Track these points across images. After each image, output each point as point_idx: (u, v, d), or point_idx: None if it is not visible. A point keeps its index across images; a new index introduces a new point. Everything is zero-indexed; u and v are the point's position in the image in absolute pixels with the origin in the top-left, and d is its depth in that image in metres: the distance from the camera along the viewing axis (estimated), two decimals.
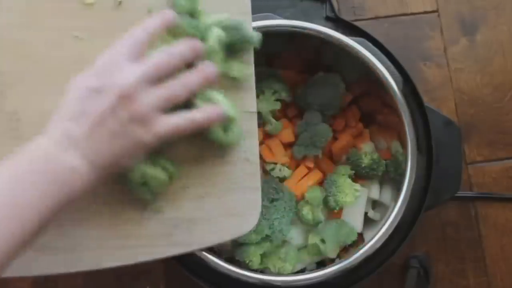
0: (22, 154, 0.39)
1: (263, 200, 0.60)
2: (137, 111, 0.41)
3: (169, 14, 0.46)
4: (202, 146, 0.50)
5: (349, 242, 0.62)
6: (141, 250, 0.49)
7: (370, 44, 0.60)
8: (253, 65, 0.51)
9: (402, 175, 0.59)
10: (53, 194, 0.38)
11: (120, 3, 0.49)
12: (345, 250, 0.64)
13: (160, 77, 0.43)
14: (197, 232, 0.50)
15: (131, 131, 0.41)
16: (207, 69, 0.45)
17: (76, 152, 0.40)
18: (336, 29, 0.60)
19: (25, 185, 0.38)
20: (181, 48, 0.44)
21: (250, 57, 0.51)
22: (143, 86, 0.41)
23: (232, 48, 0.49)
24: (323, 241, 0.62)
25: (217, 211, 0.50)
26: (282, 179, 0.65)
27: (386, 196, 0.66)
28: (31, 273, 0.47)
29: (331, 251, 0.62)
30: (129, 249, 0.48)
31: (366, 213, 0.66)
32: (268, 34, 0.59)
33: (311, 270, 0.58)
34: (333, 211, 0.65)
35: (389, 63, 0.60)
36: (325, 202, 0.63)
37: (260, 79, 0.66)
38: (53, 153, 0.39)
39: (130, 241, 0.48)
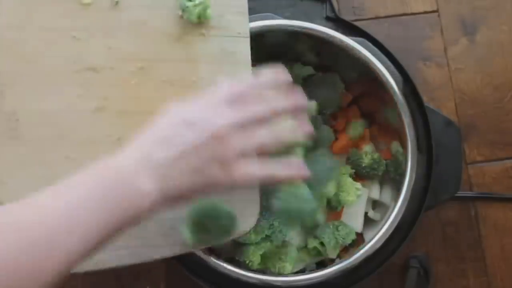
0: (99, 167, 0.39)
1: (262, 200, 0.61)
2: (222, 153, 0.41)
3: (282, 74, 0.45)
4: None
5: (348, 242, 0.62)
6: (140, 250, 0.49)
7: (370, 44, 0.60)
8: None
9: (402, 175, 0.59)
10: (119, 211, 0.38)
11: (117, 3, 0.49)
12: (345, 250, 0.64)
13: (253, 125, 0.43)
14: None
15: (211, 170, 0.41)
16: (304, 126, 0.45)
17: (152, 176, 0.39)
18: (336, 29, 0.60)
19: (94, 198, 0.37)
20: (285, 104, 0.44)
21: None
22: (235, 131, 0.41)
23: None
24: (322, 243, 0.62)
25: None
26: None
27: (386, 196, 0.66)
28: None
29: (330, 252, 0.62)
30: (127, 250, 0.48)
31: (366, 213, 0.66)
32: (268, 34, 0.59)
33: (311, 270, 0.58)
34: (332, 211, 0.65)
35: (389, 63, 0.60)
36: (327, 202, 0.63)
37: None
38: (129, 171, 0.39)
39: (128, 241, 0.48)
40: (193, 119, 0.41)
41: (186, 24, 0.50)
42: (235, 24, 0.51)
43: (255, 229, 0.59)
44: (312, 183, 0.60)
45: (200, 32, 0.51)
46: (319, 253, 0.63)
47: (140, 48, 0.49)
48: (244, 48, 0.52)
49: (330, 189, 0.61)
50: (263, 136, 0.43)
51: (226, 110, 0.42)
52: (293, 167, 0.45)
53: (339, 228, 0.62)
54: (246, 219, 0.51)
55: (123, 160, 0.39)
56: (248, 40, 0.52)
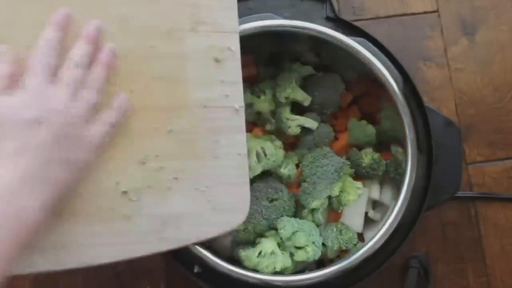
0: None
1: (262, 200, 0.61)
2: (74, 134, 0.42)
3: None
4: (190, 142, 0.50)
5: (351, 246, 0.62)
6: (131, 246, 0.49)
7: (370, 44, 0.60)
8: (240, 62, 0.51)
9: (402, 175, 0.59)
10: (12, 239, 0.38)
11: None
12: (345, 250, 0.64)
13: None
14: (185, 228, 0.50)
15: (73, 155, 0.42)
16: (107, 58, 0.46)
17: (31, 191, 0.39)
18: (336, 29, 0.60)
19: None
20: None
21: None
22: (69, 107, 0.43)
23: None
24: (324, 244, 0.62)
25: (205, 206, 0.50)
26: (287, 178, 0.65)
27: (386, 196, 0.66)
28: (19, 271, 0.46)
29: (331, 253, 0.62)
30: (118, 246, 0.48)
31: (366, 213, 0.66)
32: (268, 34, 0.59)
33: (311, 270, 0.58)
34: (333, 212, 0.65)
35: (389, 63, 0.60)
36: (329, 203, 0.63)
37: (261, 79, 0.67)
38: (8, 195, 0.38)
39: (119, 238, 0.48)
40: (36, 117, 0.40)
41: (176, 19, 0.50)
42: (225, 19, 0.51)
43: (255, 228, 0.60)
44: (318, 183, 0.61)
45: (191, 27, 0.50)
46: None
47: (129, 43, 0.49)
48: (234, 44, 0.52)
49: (336, 189, 0.61)
50: (90, 96, 0.44)
51: (52, 91, 0.42)
52: (118, 104, 0.47)
53: (343, 232, 0.62)
54: (236, 214, 0.51)
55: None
56: (237, 36, 0.52)
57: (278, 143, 0.64)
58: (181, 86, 0.50)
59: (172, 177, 0.49)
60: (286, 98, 0.64)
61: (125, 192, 0.48)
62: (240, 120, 0.51)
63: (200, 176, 0.50)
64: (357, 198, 0.62)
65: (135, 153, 0.49)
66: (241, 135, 0.51)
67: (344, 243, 0.62)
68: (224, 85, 0.51)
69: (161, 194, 0.49)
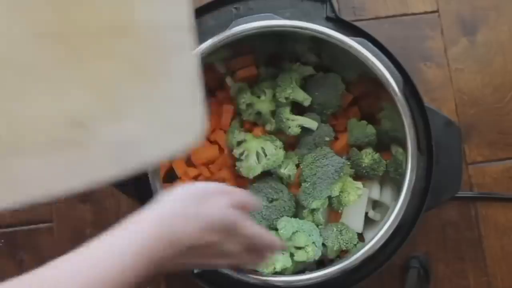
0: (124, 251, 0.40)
1: (262, 200, 0.61)
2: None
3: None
4: (140, 63, 0.49)
5: (351, 247, 0.62)
6: (87, 175, 0.48)
7: (370, 44, 0.60)
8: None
9: (403, 175, 0.59)
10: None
11: None
12: (345, 250, 0.64)
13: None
14: (142, 151, 0.48)
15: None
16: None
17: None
18: (336, 29, 0.60)
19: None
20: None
21: None
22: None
23: None
24: (324, 245, 0.62)
25: (160, 128, 0.49)
26: (287, 178, 0.65)
27: (386, 196, 0.66)
28: None
29: (331, 253, 0.62)
30: (74, 175, 0.47)
31: (366, 213, 0.66)
32: (268, 34, 0.59)
33: (311, 270, 0.58)
34: (333, 212, 0.65)
35: (389, 63, 0.59)
36: (329, 203, 0.63)
37: (261, 79, 0.67)
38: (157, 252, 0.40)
39: (74, 166, 0.47)
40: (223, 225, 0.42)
41: None
42: None
43: None
44: (318, 183, 0.61)
45: None
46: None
47: None
48: None
49: (336, 189, 0.61)
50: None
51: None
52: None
53: (343, 232, 0.62)
54: (192, 134, 0.50)
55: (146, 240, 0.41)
56: None
57: (278, 143, 0.64)
58: (127, 6, 0.49)
59: (124, 100, 0.49)
60: (286, 98, 0.64)
61: (76, 119, 0.47)
62: (190, 38, 0.51)
63: (153, 98, 0.50)
64: (357, 198, 0.62)
65: (85, 79, 0.48)
66: (192, 53, 0.51)
67: (344, 243, 0.62)
68: (172, 3, 0.51)
69: (115, 118, 0.48)
